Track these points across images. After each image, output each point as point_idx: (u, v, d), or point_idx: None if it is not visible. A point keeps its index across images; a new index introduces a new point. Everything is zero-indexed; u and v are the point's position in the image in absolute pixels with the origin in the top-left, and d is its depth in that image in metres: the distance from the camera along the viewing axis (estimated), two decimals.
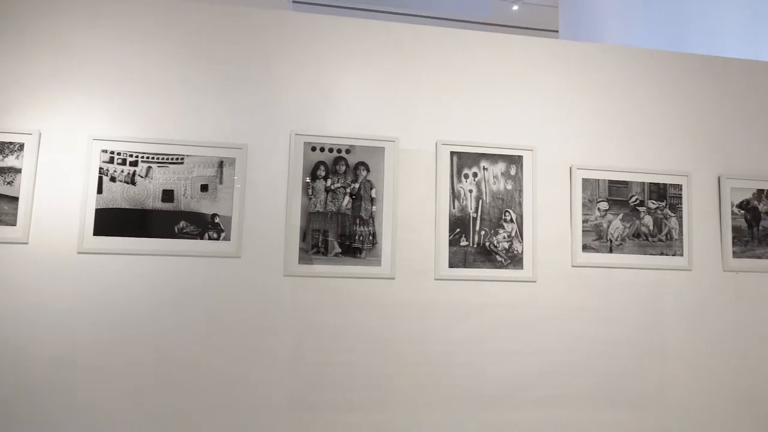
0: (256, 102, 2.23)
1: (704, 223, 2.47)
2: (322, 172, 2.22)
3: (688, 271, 2.43)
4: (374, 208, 2.23)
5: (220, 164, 2.15)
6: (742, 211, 2.49)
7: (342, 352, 2.17)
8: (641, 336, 2.37)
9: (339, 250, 2.19)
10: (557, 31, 6.76)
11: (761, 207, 2.50)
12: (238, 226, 2.13)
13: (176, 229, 2.10)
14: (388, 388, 2.19)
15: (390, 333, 2.21)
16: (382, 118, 2.31)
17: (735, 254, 2.46)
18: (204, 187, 2.13)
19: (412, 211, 2.27)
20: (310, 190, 2.20)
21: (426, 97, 2.36)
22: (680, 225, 2.43)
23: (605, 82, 2.52)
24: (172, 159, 2.12)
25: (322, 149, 2.23)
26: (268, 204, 2.18)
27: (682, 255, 2.42)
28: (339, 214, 2.21)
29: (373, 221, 2.22)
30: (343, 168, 2.23)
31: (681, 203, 2.44)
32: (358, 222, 2.22)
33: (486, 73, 2.43)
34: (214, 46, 2.24)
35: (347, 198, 2.22)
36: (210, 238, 2.12)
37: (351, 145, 2.24)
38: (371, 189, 2.24)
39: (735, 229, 2.47)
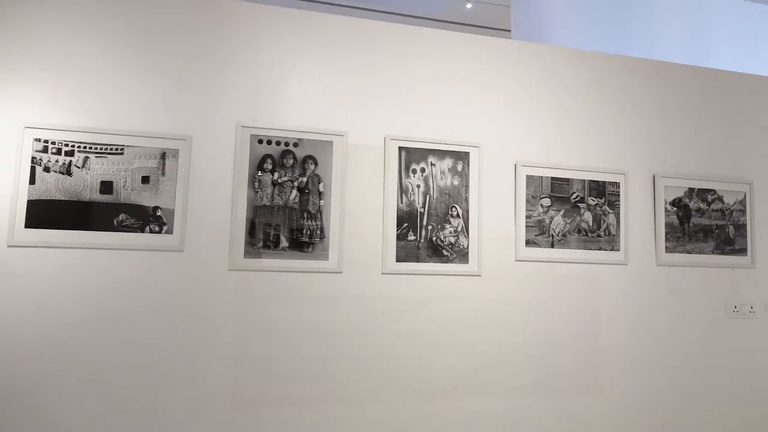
0: (201, 93, 2.18)
1: (640, 220, 2.59)
2: (269, 165, 2.19)
3: (624, 266, 2.54)
4: (322, 202, 2.23)
5: (163, 156, 2.09)
6: (675, 209, 2.62)
7: (288, 347, 2.16)
8: (580, 327, 2.46)
9: (286, 244, 2.18)
10: (510, 31, 6.89)
11: (692, 205, 2.64)
12: (182, 220, 2.08)
13: (116, 222, 2.03)
14: (334, 382, 2.19)
15: (337, 327, 2.21)
16: (330, 111, 2.30)
17: (668, 249, 2.59)
18: (145, 179, 2.07)
19: (360, 205, 2.28)
20: (256, 183, 2.17)
21: (375, 92, 2.37)
22: (618, 221, 2.53)
23: (552, 82, 2.59)
24: (111, 149, 2.05)
25: (269, 142, 2.20)
26: (213, 197, 2.14)
27: (619, 250, 2.53)
28: (286, 207, 2.19)
29: (320, 215, 2.22)
30: (291, 161, 2.21)
31: (619, 200, 2.55)
32: (305, 216, 2.21)
33: (436, 69, 2.45)
34: (157, 35, 2.17)
35: (295, 192, 2.21)
36: (152, 232, 2.06)
37: (299, 139, 2.22)
38: (319, 183, 2.23)
39: (668, 226, 2.60)
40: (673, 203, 2.62)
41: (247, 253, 2.14)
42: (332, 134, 2.26)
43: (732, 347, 2.64)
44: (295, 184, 2.21)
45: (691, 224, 2.63)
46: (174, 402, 2.03)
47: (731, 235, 2.68)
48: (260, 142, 2.19)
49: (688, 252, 2.61)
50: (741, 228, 2.70)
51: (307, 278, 2.20)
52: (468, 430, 2.31)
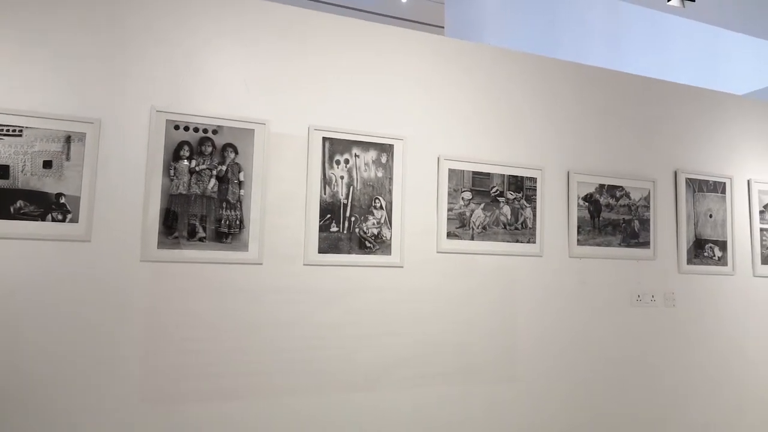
0: (113, 74, 2.06)
1: (554, 214, 2.71)
2: (186, 153, 2.11)
3: (539, 257, 2.65)
4: (242, 191, 2.17)
5: (68, 139, 1.96)
6: (586, 204, 2.77)
7: (205, 340, 2.09)
8: (498, 317, 2.55)
9: (203, 235, 2.11)
10: (443, 27, 7.01)
11: (602, 200, 2.80)
12: (88, 208, 1.96)
13: (12, 210, 1.88)
14: (255, 375, 2.15)
15: (257, 319, 2.17)
16: (253, 99, 2.24)
17: (579, 242, 2.73)
18: (47, 164, 1.93)
19: (282, 195, 2.24)
20: (172, 171, 2.08)
21: (300, 81, 2.33)
22: (534, 215, 2.64)
23: (477, 79, 2.65)
24: (7, 130, 1.89)
25: (186, 128, 2.12)
26: (124, 185, 2.03)
27: (535, 242, 2.64)
28: (204, 197, 2.12)
29: (240, 205, 2.16)
30: (210, 149, 2.14)
31: (535, 195, 2.66)
32: (224, 206, 2.14)
33: (363, 61, 2.45)
34: (67, 11, 2.02)
35: (213, 180, 2.14)
36: (54, 220, 1.93)
37: (218, 126, 2.15)
38: (239, 172, 2.17)
39: (580, 220, 2.74)
40: (585, 198, 2.77)
41: (162, 244, 2.05)
42: (254, 122, 2.20)
43: (635, 333, 2.83)
44: (214, 172, 2.14)
45: (600, 218, 2.79)
46: (82, 399, 1.91)
47: (636, 229, 2.86)
48: (177, 128, 2.10)
49: (598, 245, 2.77)
50: (645, 223, 2.89)
51: (226, 270, 2.14)
52: (390, 421, 2.34)
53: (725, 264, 3.07)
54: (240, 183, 2.17)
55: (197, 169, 2.12)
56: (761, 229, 3.19)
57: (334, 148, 2.32)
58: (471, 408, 2.47)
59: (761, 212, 3.20)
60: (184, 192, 2.09)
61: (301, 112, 2.31)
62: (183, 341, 2.06)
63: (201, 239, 2.10)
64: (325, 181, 2.30)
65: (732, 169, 3.19)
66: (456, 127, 2.57)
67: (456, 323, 2.48)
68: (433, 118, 2.54)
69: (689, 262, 2.97)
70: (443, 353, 2.44)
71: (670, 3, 3.35)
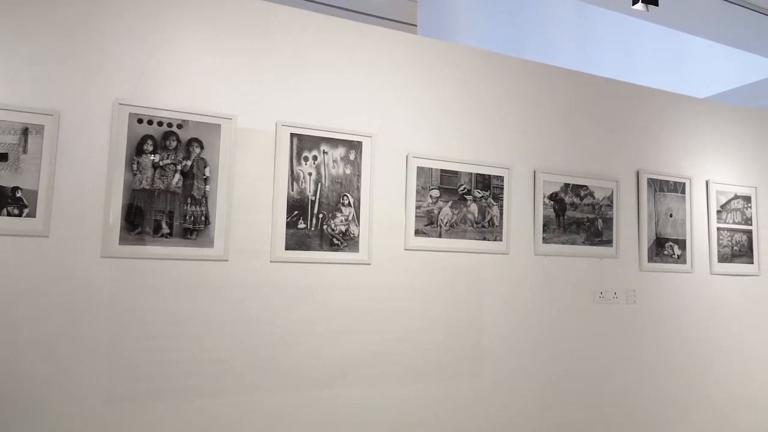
0: (73, 65, 2.00)
1: (521, 212, 2.76)
2: (149, 147, 2.07)
3: (505, 255, 2.69)
4: (208, 187, 2.14)
5: (25, 131, 1.90)
6: (552, 202, 2.82)
7: (170, 338, 2.06)
8: (464, 314, 2.58)
9: (167, 231, 2.07)
10: (416, 25, 7.02)
11: (567, 199, 2.86)
12: (46, 202, 1.91)
13: None
14: (222, 373, 2.13)
15: (223, 316, 2.15)
16: (219, 93, 2.21)
17: (545, 240, 2.78)
18: (2, 156, 1.87)
19: (249, 191, 2.22)
20: (134, 166, 2.04)
21: (269, 76, 2.31)
22: (501, 213, 2.68)
23: (446, 77, 2.67)
24: None
25: (150, 122, 2.08)
26: (85, 179, 1.98)
27: (501, 240, 2.67)
28: (168, 192, 2.09)
29: (206, 201, 2.14)
30: (174, 144, 2.11)
31: (503, 193, 2.69)
32: (189, 201, 2.11)
33: (333, 57, 2.44)
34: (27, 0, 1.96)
35: (178, 176, 2.10)
36: (10, 215, 1.87)
37: (183, 120, 2.12)
38: (205, 167, 2.14)
39: (545, 218, 2.79)
40: (551, 197, 2.82)
41: (123, 240, 2.01)
42: (220, 117, 2.18)
43: (598, 330, 2.90)
44: (179, 167, 2.11)
45: (565, 217, 2.84)
46: (42, 400, 1.86)
47: (600, 228, 2.93)
48: (140, 121, 2.06)
49: (563, 243, 2.83)
50: (608, 221, 2.96)
51: (191, 266, 2.11)
52: (356, 418, 2.34)
53: (684, 262, 3.17)
54: (206, 178, 2.14)
55: (161, 163, 2.08)
56: (718, 229, 3.30)
57: (303, 144, 2.31)
58: (437, 405, 2.50)
59: (718, 212, 3.32)
60: (148, 187, 2.06)
61: (268, 108, 2.29)
62: (147, 339, 2.03)
63: (165, 235, 2.07)
64: (293, 178, 2.28)
65: (691, 170, 3.29)
66: (425, 125, 2.59)
67: (423, 320, 2.50)
68: (402, 115, 2.55)
69: (650, 260, 3.06)
70: (410, 350, 2.46)
71: (634, 7, 3.43)
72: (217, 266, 2.15)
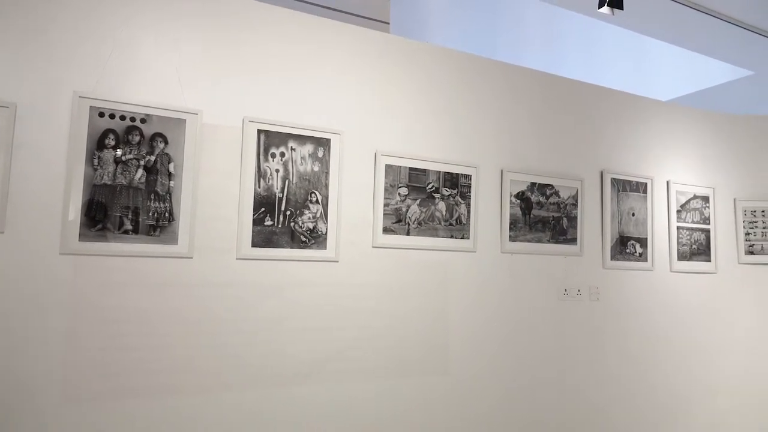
0: (31, 56, 1.94)
1: (488, 210, 2.79)
2: (111, 142, 2.02)
3: (473, 253, 2.72)
4: (172, 183, 2.11)
5: None
6: (519, 201, 2.86)
7: (132, 336, 2.02)
8: (432, 311, 2.61)
9: (129, 227, 2.03)
10: (389, 23, 7.04)
11: (533, 198, 2.91)
12: (1, 197, 1.85)
13: None
14: (185, 371, 2.10)
15: (187, 314, 2.11)
16: (184, 88, 2.17)
17: (511, 238, 2.83)
18: None
19: (215, 188, 2.19)
20: (95, 160, 1.99)
21: (236, 71, 2.28)
22: (468, 211, 2.71)
23: (416, 76, 2.68)
24: None
25: (112, 116, 2.03)
26: (42, 173, 1.93)
27: (468, 238, 2.70)
28: (131, 188, 2.04)
29: (170, 197, 2.10)
30: (137, 138, 2.06)
31: (470, 192, 2.72)
32: (153, 197, 2.07)
33: (302, 54, 2.42)
34: None
35: (141, 171, 2.06)
36: None
37: (147, 114, 2.08)
38: (169, 163, 2.11)
39: (512, 216, 2.84)
40: (517, 196, 2.86)
41: (83, 236, 1.96)
42: (185, 112, 2.14)
43: (562, 326, 2.96)
44: (142, 162, 2.06)
45: (531, 215, 2.89)
46: None
47: (565, 226, 2.99)
48: (101, 115, 2.01)
49: (529, 241, 2.88)
50: (573, 220, 3.02)
51: (154, 263, 2.07)
52: (324, 415, 2.34)
53: (645, 260, 3.26)
54: (170, 174, 2.10)
55: (123, 158, 2.03)
56: (678, 228, 3.41)
57: (270, 140, 2.29)
58: (405, 402, 2.51)
59: (678, 211, 3.42)
60: (109, 182, 2.01)
61: (235, 103, 2.26)
62: (109, 338, 1.98)
63: (127, 232, 2.03)
64: (260, 174, 2.26)
65: (653, 171, 3.39)
66: (394, 124, 2.60)
67: (391, 318, 2.51)
68: (371, 113, 2.55)
69: (613, 258, 3.14)
70: (378, 348, 2.47)
71: (600, 10, 3.51)
72: (181, 263, 2.11)
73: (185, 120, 2.14)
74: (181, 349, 2.10)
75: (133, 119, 2.05)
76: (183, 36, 2.19)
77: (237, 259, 2.20)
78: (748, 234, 3.62)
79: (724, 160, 3.67)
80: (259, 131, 2.27)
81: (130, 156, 2.04)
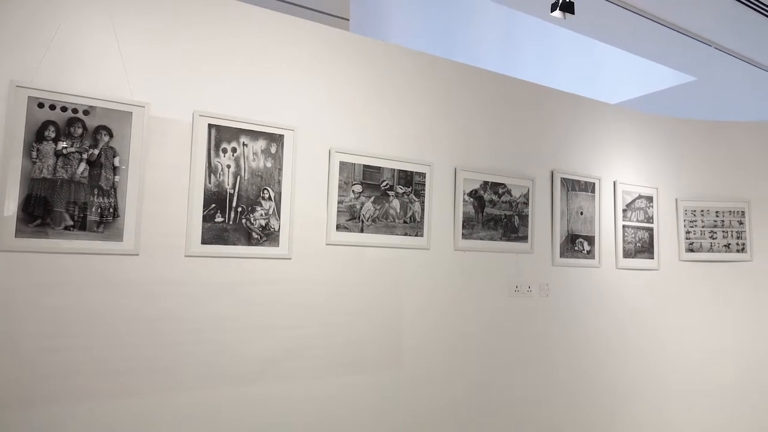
0: None
1: (442, 208, 2.83)
2: (51, 134, 1.94)
3: (426, 250, 2.75)
4: (117, 177, 2.04)
5: None
6: (472, 199, 2.91)
7: (74, 337, 1.95)
8: (385, 308, 2.62)
9: (70, 223, 1.95)
10: (348, 20, 7.01)
11: (486, 196, 2.96)
12: None
13: None
14: (133, 372, 2.04)
15: (133, 313, 2.05)
16: (131, 79, 2.10)
17: (464, 236, 2.87)
18: None
19: (163, 183, 2.13)
20: (34, 153, 1.91)
21: (187, 64, 2.23)
22: (422, 209, 2.74)
23: (371, 74, 2.68)
24: None
25: (52, 107, 1.94)
26: None
27: (422, 236, 2.73)
28: (72, 182, 1.96)
29: (115, 192, 2.03)
30: (80, 131, 1.99)
31: (424, 190, 2.75)
32: (96, 192, 2.00)
33: (256, 48, 2.39)
34: None
35: (83, 165, 1.99)
36: None
37: (90, 106, 2.00)
38: (114, 157, 2.04)
39: (465, 214, 2.88)
40: (471, 194, 2.91)
41: (21, 233, 1.87)
42: (132, 104, 2.07)
43: (513, 322, 3.03)
44: (84, 156, 1.99)
45: (484, 214, 2.95)
46: None
47: (516, 224, 3.06)
48: (41, 106, 1.93)
49: (481, 239, 2.93)
50: (524, 218, 3.09)
51: (98, 261, 2.00)
52: (279, 413, 2.32)
53: (593, 257, 3.38)
54: (115, 168, 2.04)
55: (65, 151, 1.95)
56: (624, 226, 3.54)
57: (221, 135, 2.25)
58: (358, 399, 2.52)
59: (624, 211, 3.56)
60: (49, 176, 1.93)
61: (185, 97, 2.21)
62: (49, 338, 1.90)
63: (69, 228, 1.95)
64: (211, 170, 2.22)
65: (601, 171, 3.51)
66: (348, 121, 2.59)
67: (344, 315, 2.51)
68: (325, 110, 2.54)
69: (562, 255, 3.23)
70: (331, 345, 2.47)
71: (552, 14, 3.60)
72: (126, 261, 2.05)
73: (131, 113, 2.07)
74: (125, 350, 2.04)
75: (75, 111, 1.98)
76: (131, 27, 2.12)
77: (186, 256, 2.16)
78: (688, 232, 3.79)
79: (667, 162, 3.84)
80: (210, 126, 2.23)
81: (72, 149, 1.97)
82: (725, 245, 3.80)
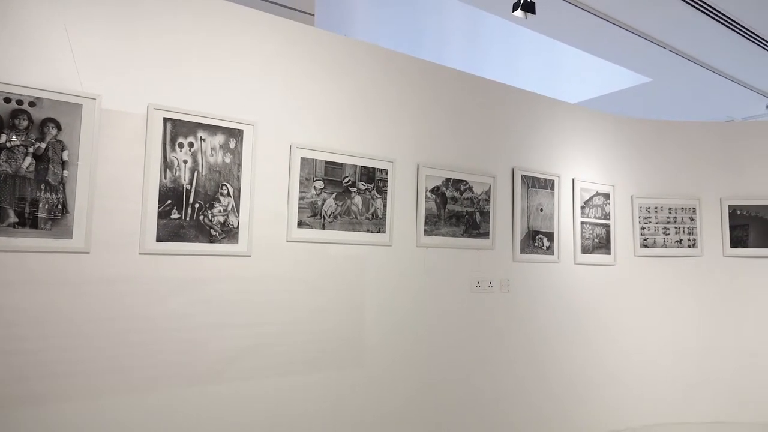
0: None
1: (404, 205, 2.83)
2: None
3: (388, 247, 2.75)
4: (66, 172, 1.96)
5: None
6: (434, 196, 2.93)
7: (18, 340, 1.87)
8: (347, 305, 2.61)
9: (15, 220, 1.87)
10: (313, 15, 6.94)
11: (448, 193, 2.98)
12: None
13: None
14: (86, 374, 1.97)
15: (86, 312, 1.98)
16: (82, 70, 2.03)
17: (426, 232, 2.88)
18: None
19: (115, 178, 2.06)
20: None
21: (142, 55, 2.16)
22: (384, 205, 2.73)
23: (334, 70, 2.66)
24: None
25: None
26: None
27: (384, 232, 2.73)
28: (17, 177, 1.88)
29: (63, 188, 1.95)
30: (26, 123, 1.90)
31: (386, 186, 2.75)
32: (43, 188, 1.92)
33: (216, 41, 2.33)
34: None
35: (29, 159, 1.90)
36: None
37: (37, 98, 1.92)
38: (62, 151, 1.96)
39: (427, 211, 2.89)
40: (433, 191, 2.92)
41: None
42: (82, 96, 2.00)
43: (475, 317, 3.06)
44: (30, 150, 1.90)
45: (446, 210, 2.97)
46: None
47: (478, 221, 3.09)
48: None
49: (443, 235, 2.95)
50: (486, 215, 3.13)
51: (46, 259, 1.92)
52: (239, 412, 2.28)
53: (552, 253, 3.44)
54: (63, 163, 1.96)
55: (8, 145, 1.87)
56: (582, 222, 3.63)
57: (177, 129, 2.19)
58: (320, 396, 2.50)
59: (582, 207, 3.64)
60: None
61: (139, 89, 2.14)
62: None
63: (13, 225, 1.86)
64: (166, 165, 2.16)
65: (560, 169, 3.58)
66: (310, 117, 2.56)
67: (306, 312, 2.49)
68: (287, 105, 2.50)
69: (522, 251, 3.29)
70: (292, 342, 2.44)
71: (514, 13, 3.65)
72: (76, 259, 1.97)
73: (81, 105, 1.99)
74: (81, 351, 1.97)
75: (20, 102, 1.89)
76: (83, 15, 2.03)
77: (140, 254, 2.09)
78: (643, 228, 3.92)
79: (624, 160, 3.94)
80: (166, 119, 2.17)
81: (17, 142, 1.88)
82: (677, 241, 3.94)
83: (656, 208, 3.94)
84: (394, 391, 2.74)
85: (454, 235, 2.99)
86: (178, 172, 2.18)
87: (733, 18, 4.54)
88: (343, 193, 2.60)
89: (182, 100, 2.23)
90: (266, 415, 2.35)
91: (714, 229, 3.99)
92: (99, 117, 2.02)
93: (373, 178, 2.71)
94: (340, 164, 2.61)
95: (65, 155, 1.96)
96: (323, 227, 2.54)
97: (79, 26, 2.03)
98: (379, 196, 2.72)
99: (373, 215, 2.70)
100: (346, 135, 2.66)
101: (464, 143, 3.12)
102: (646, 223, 3.92)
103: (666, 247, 3.93)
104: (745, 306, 3.92)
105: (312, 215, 2.51)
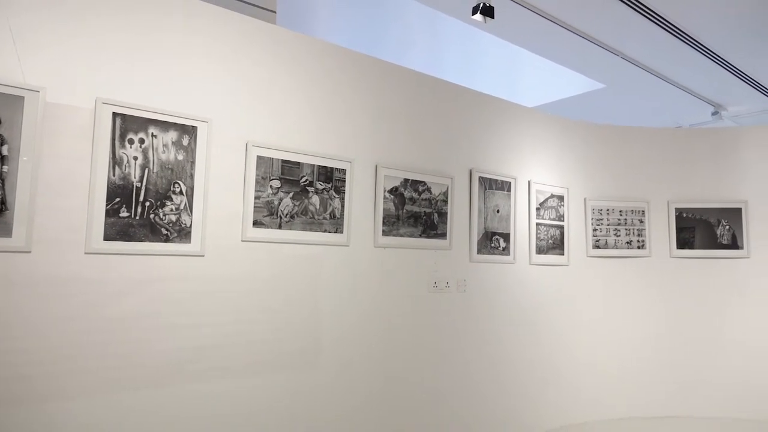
0: None
1: (362, 205, 2.83)
2: None
3: (346, 247, 2.75)
4: (6, 168, 1.87)
5: None
6: (392, 196, 2.93)
7: None
8: (303, 305, 2.58)
9: None
10: (275, 12, 6.86)
11: (406, 193, 3.00)
12: None
13: None
14: (25, 379, 1.88)
15: (27, 314, 1.90)
16: (24, 61, 1.94)
17: (384, 233, 2.89)
18: None
19: (60, 175, 1.98)
20: None
21: (90, 48, 2.08)
22: (342, 205, 2.72)
23: (292, 68, 2.63)
24: None
25: None
26: None
27: (342, 232, 2.72)
28: None
29: (2, 183, 1.86)
30: None
31: (344, 186, 2.74)
32: None
33: (170, 35, 2.27)
34: None
35: None
36: None
37: None
38: (2, 145, 1.87)
39: (386, 211, 2.90)
40: (391, 191, 2.93)
41: None
42: (23, 88, 1.91)
43: (431, 317, 3.09)
44: None
45: (404, 211, 2.98)
46: None
47: (435, 222, 3.12)
48: None
49: (401, 235, 2.96)
50: (443, 216, 3.16)
51: None
52: (192, 415, 2.23)
53: (508, 254, 3.51)
54: (3, 158, 1.87)
55: None
56: (537, 224, 3.71)
57: (127, 125, 2.12)
58: (275, 397, 2.47)
59: (537, 209, 3.73)
60: None
61: (87, 83, 2.06)
62: None
63: None
64: (115, 161, 2.09)
65: (516, 171, 3.65)
66: (267, 114, 2.53)
67: (261, 312, 2.45)
68: (242, 103, 2.46)
69: (479, 251, 3.34)
70: (247, 343, 2.40)
71: (473, 17, 3.70)
72: (16, 258, 1.89)
73: (23, 97, 1.91)
74: (22, 354, 1.88)
75: None
76: (27, 4, 1.94)
77: (86, 253, 2.02)
78: (595, 230, 4.04)
79: (578, 163, 4.06)
80: (115, 114, 2.09)
81: None
82: (627, 242, 4.08)
83: (608, 210, 4.07)
84: (351, 391, 2.73)
85: (412, 236, 3.01)
86: (127, 169, 2.11)
87: (682, 29, 4.74)
88: (300, 193, 2.58)
89: (133, 95, 2.16)
90: (220, 418, 2.31)
91: (662, 231, 4.15)
92: (43, 110, 1.94)
93: (331, 178, 2.70)
94: (298, 163, 2.58)
95: (5, 150, 1.87)
96: (280, 227, 2.51)
97: (23, 17, 1.94)
98: (337, 195, 2.71)
99: (330, 215, 2.68)
100: (304, 134, 2.64)
101: (423, 144, 3.14)
102: (599, 225, 4.04)
103: (617, 248, 4.06)
104: (690, 304, 4.09)
105: (268, 215, 2.48)
